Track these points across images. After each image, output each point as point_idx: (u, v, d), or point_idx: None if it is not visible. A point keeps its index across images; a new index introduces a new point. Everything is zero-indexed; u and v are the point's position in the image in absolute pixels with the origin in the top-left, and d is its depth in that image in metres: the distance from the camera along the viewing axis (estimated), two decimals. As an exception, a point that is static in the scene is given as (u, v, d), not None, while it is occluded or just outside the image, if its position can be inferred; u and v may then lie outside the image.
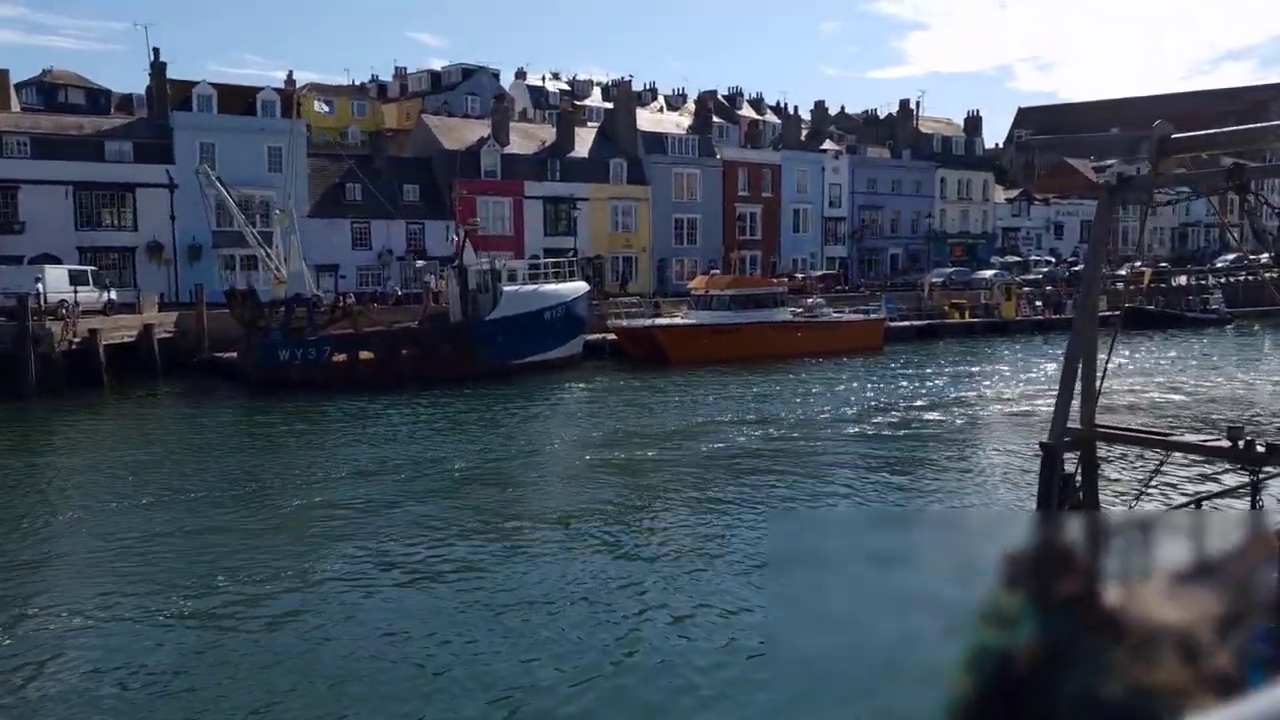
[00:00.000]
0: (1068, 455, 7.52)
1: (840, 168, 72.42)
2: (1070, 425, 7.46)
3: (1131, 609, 8.31)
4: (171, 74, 51.67)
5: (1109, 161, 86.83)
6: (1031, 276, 68.73)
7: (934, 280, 63.43)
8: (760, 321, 43.41)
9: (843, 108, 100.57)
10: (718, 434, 25.29)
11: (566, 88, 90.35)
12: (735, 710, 9.63)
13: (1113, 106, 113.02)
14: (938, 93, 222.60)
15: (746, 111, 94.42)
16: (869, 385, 35.35)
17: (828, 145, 74.66)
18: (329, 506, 18.30)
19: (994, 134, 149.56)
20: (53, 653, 11.31)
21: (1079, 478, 7.60)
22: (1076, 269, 68.11)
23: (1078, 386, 7.64)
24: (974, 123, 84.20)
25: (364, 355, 35.56)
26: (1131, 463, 17.22)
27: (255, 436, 27.13)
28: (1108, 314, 58.68)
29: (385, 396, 31.87)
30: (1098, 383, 7.63)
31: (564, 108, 68.53)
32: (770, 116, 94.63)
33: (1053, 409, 7.77)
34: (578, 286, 41.95)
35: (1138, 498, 8.07)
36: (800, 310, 47.23)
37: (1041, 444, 7.17)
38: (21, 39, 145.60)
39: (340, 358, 35.14)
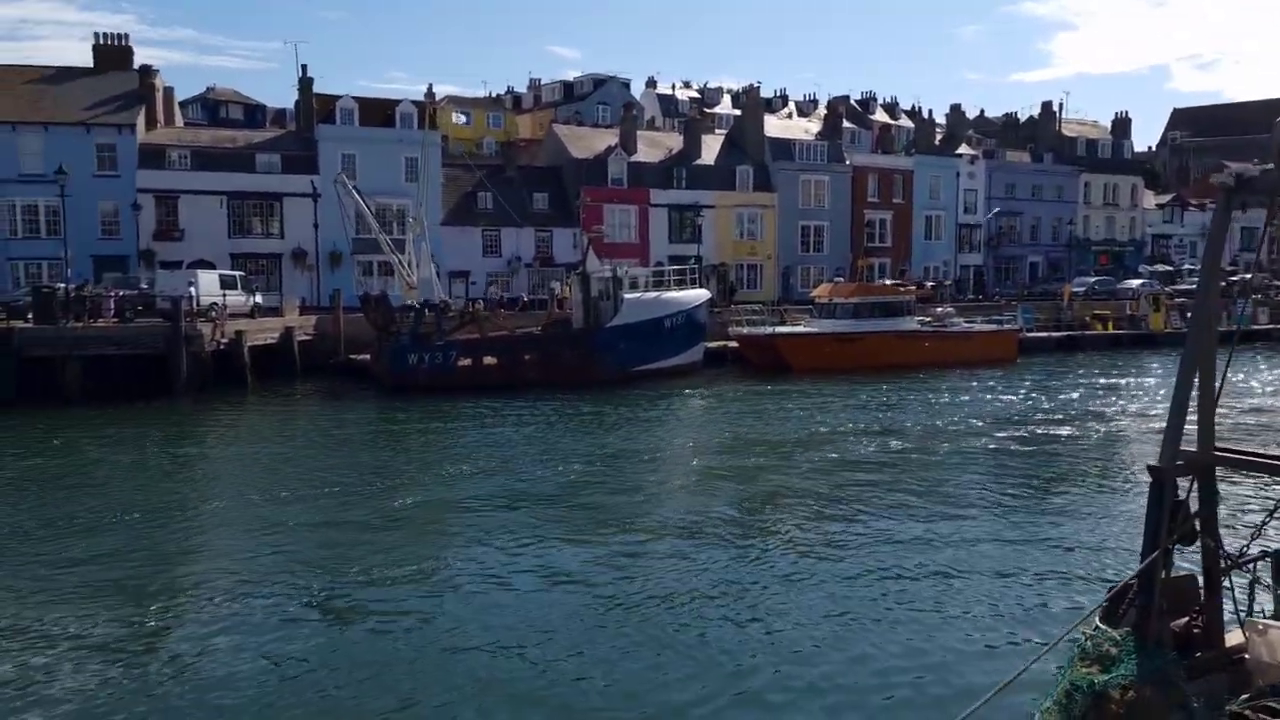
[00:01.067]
0: (1182, 481, 6.98)
1: (976, 173, 70.10)
2: (1185, 449, 6.93)
3: (1255, 653, 7.56)
4: (325, 89, 54.41)
5: None
6: (1184, 286, 64.84)
7: (1075, 289, 60.62)
8: (885, 330, 42.42)
9: (982, 111, 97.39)
10: (837, 444, 24.85)
11: (696, 95, 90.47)
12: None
13: (1278, 106, 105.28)
14: (1087, 95, 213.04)
15: (880, 116, 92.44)
16: (998, 398, 34.01)
17: (963, 150, 72.37)
18: (453, 505, 18.82)
19: (1147, 137, 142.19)
20: (193, 635, 11.95)
21: (1195, 506, 7.05)
22: (1234, 279, 63.93)
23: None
24: (1122, 125, 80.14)
25: (488, 360, 36.42)
26: (1261, 491, 16.00)
27: (385, 437, 28.08)
28: (1270, 327, 55.13)
29: (508, 401, 32.52)
30: (1216, 399, 7.05)
31: (691, 115, 68.66)
32: (904, 121, 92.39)
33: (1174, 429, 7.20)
34: (699, 294, 41.93)
35: (1261, 529, 7.43)
36: (929, 319, 45.89)
37: (1150, 467, 6.67)
38: (191, 59, 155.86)
39: (465, 362, 36.10)
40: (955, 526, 16.40)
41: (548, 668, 10.77)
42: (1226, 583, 7.37)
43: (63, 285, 35.19)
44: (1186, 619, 7.01)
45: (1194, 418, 6.68)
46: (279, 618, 12.47)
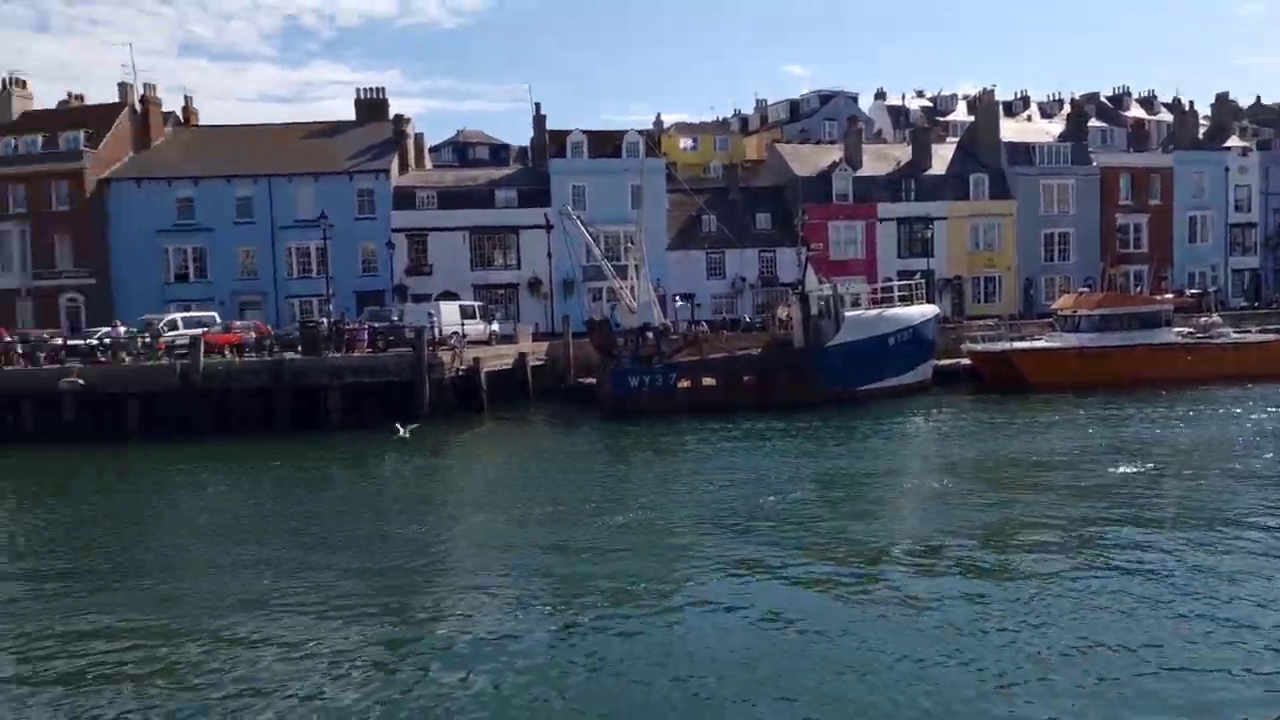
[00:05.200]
0: None
1: (1249, 167, 63.22)
2: None
3: None
4: (569, 125, 57.05)
5: None
6: None
7: (1377, 292, 53.26)
8: (1137, 344, 39.01)
9: (1258, 98, 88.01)
10: (1079, 467, 23.10)
11: (928, 104, 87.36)
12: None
13: None
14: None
15: (1134, 112, 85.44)
16: (1272, 417, 30.37)
17: (1232, 142, 65.49)
18: (674, 528, 18.74)
19: None
20: (430, 648, 12.64)
21: None
22: None
23: None
24: None
25: (707, 381, 36.69)
26: None
27: (609, 458, 28.78)
28: None
29: (728, 422, 32.53)
30: None
31: (919, 124, 66.43)
32: (1163, 115, 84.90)
33: None
34: (927, 309, 40.37)
35: None
36: (1190, 330, 41.79)
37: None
38: (450, 105, 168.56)
39: (685, 384, 36.54)
40: (1204, 570, 14.64)
41: (770, 697, 10.67)
42: None
43: (325, 320, 38.84)
44: None
45: None
46: (511, 633, 12.92)
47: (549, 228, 52.03)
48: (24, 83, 57.50)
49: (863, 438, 29.48)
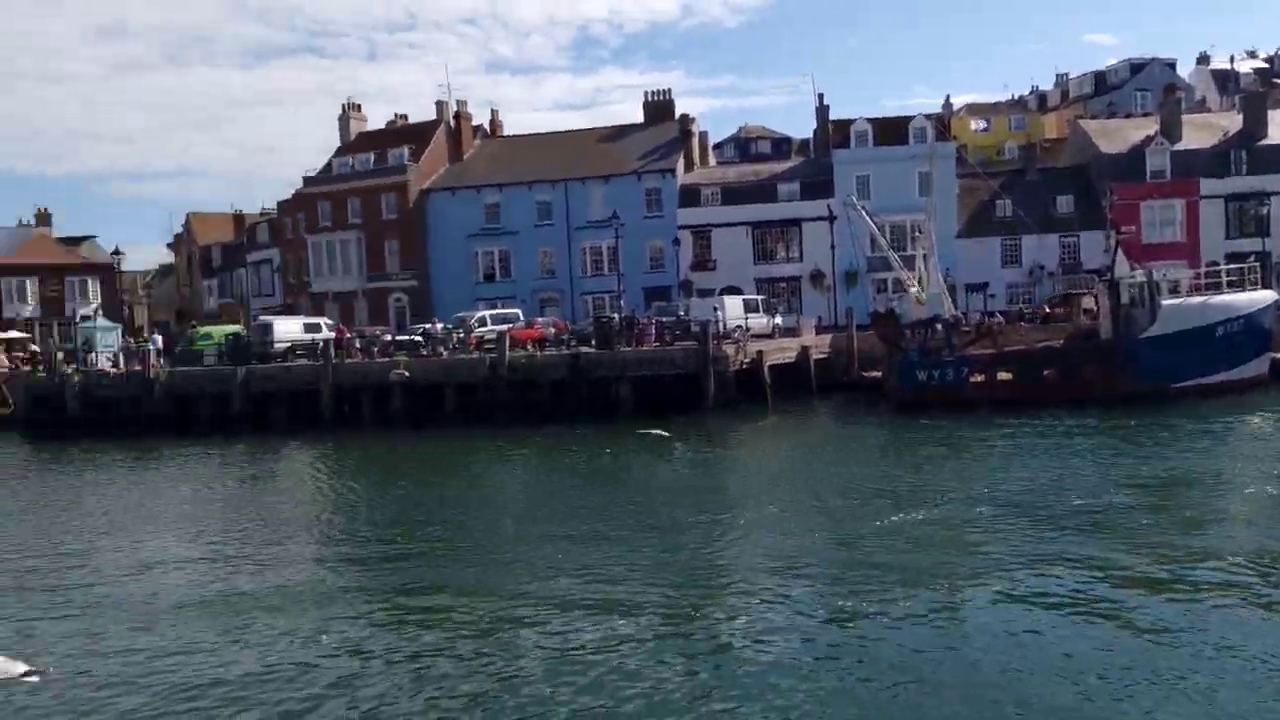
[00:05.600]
0: None
1: None
2: None
3: None
4: (852, 114, 56.55)
5: None
6: None
7: None
8: None
9: None
10: None
11: (1263, 65, 77.73)
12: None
13: None
14: None
15: None
16: None
17: None
18: (966, 526, 17.97)
19: None
20: (717, 628, 13.15)
21: None
22: None
23: None
24: None
25: (1002, 376, 34.81)
26: None
27: (896, 454, 27.98)
28: None
29: (1027, 419, 30.69)
30: None
31: (1251, 89, 59.19)
32: None
33: None
34: (1262, 296, 35.97)
35: None
36: None
37: None
38: (733, 103, 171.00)
39: (978, 378, 34.87)
40: None
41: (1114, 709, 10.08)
42: None
43: (616, 315, 40.76)
44: None
45: None
46: (805, 625, 13.01)
47: (832, 219, 51.55)
48: (358, 106, 64.82)
49: (1188, 438, 26.76)
